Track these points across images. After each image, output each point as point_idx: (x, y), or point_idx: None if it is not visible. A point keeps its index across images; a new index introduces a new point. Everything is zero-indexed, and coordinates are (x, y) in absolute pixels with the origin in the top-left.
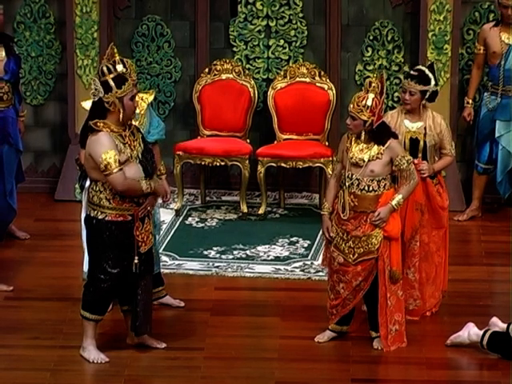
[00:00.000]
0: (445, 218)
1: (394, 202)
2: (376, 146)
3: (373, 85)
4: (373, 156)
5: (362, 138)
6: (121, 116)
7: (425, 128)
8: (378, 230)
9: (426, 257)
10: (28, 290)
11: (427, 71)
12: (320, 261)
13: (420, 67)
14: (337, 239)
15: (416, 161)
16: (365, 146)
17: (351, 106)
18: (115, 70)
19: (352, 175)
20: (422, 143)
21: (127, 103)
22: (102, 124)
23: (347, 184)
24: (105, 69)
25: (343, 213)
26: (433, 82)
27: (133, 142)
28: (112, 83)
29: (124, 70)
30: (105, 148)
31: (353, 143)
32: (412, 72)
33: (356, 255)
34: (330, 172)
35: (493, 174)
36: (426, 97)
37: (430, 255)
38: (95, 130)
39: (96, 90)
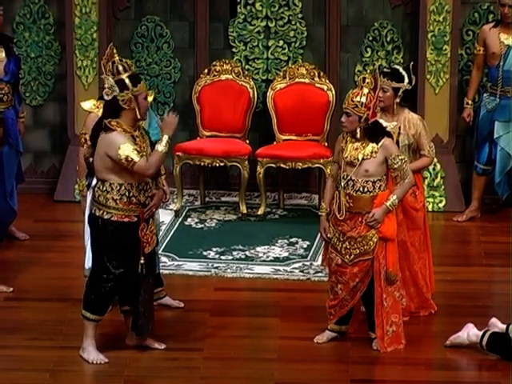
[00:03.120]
0: (419, 219)
1: (388, 203)
2: (370, 145)
3: (367, 80)
4: (367, 155)
5: (358, 135)
6: (137, 113)
7: (399, 128)
8: (374, 231)
9: (407, 256)
10: (28, 290)
11: (401, 69)
12: (319, 261)
13: (395, 66)
14: (334, 240)
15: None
16: (359, 144)
17: (346, 102)
18: (130, 68)
19: (347, 175)
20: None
21: (141, 102)
22: (115, 123)
23: (342, 184)
24: (120, 67)
25: (339, 213)
26: (406, 80)
27: (142, 143)
28: (128, 81)
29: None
30: (120, 143)
31: (348, 143)
32: (385, 69)
33: (352, 256)
34: (329, 173)
35: (492, 174)
36: (399, 94)
37: (410, 254)
38: (109, 129)
39: (110, 88)
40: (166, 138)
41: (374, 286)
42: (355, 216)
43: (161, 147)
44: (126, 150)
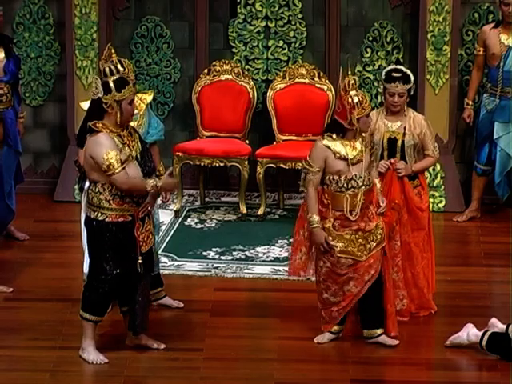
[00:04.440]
0: (424, 219)
1: (380, 188)
2: (360, 138)
3: (351, 83)
4: (365, 148)
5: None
6: (118, 119)
7: (404, 128)
8: (380, 218)
9: (410, 257)
10: (27, 290)
11: (404, 69)
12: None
13: (397, 67)
14: (341, 245)
15: (392, 160)
16: (352, 142)
17: (363, 108)
18: (118, 71)
19: (356, 175)
20: (399, 143)
21: (125, 107)
22: (100, 125)
23: (360, 184)
24: (107, 70)
25: (352, 214)
26: (412, 79)
27: (131, 141)
28: (112, 85)
29: (122, 70)
30: (105, 148)
31: (338, 147)
32: (395, 74)
33: (368, 250)
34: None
35: (492, 175)
36: (411, 94)
37: (413, 255)
38: (94, 131)
39: (96, 88)
40: (159, 183)
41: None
42: (364, 211)
43: (149, 186)
44: (111, 157)
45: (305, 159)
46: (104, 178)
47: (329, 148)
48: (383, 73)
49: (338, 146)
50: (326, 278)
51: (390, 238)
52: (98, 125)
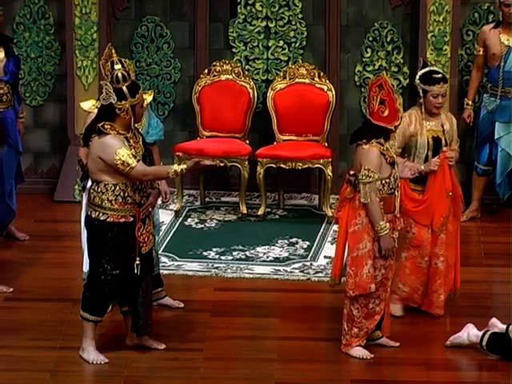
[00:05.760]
0: (460, 210)
1: None
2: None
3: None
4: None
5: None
6: (132, 123)
7: (442, 125)
8: None
9: (449, 247)
10: (27, 290)
11: (437, 68)
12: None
13: (433, 69)
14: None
15: (444, 148)
16: (388, 145)
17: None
18: (129, 76)
19: (395, 174)
20: (443, 141)
21: (138, 110)
22: (109, 126)
23: (397, 184)
24: (120, 76)
25: (400, 212)
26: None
27: (136, 143)
28: (127, 92)
29: (133, 75)
30: (115, 148)
31: (389, 151)
32: (436, 75)
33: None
34: (330, 173)
35: (492, 175)
36: None
37: (451, 246)
38: (102, 133)
39: (107, 94)
40: (183, 167)
41: None
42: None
43: (171, 172)
44: (123, 154)
45: (364, 171)
46: (117, 179)
47: (382, 154)
48: (419, 77)
49: (388, 150)
50: (378, 287)
51: (440, 227)
52: (106, 126)
